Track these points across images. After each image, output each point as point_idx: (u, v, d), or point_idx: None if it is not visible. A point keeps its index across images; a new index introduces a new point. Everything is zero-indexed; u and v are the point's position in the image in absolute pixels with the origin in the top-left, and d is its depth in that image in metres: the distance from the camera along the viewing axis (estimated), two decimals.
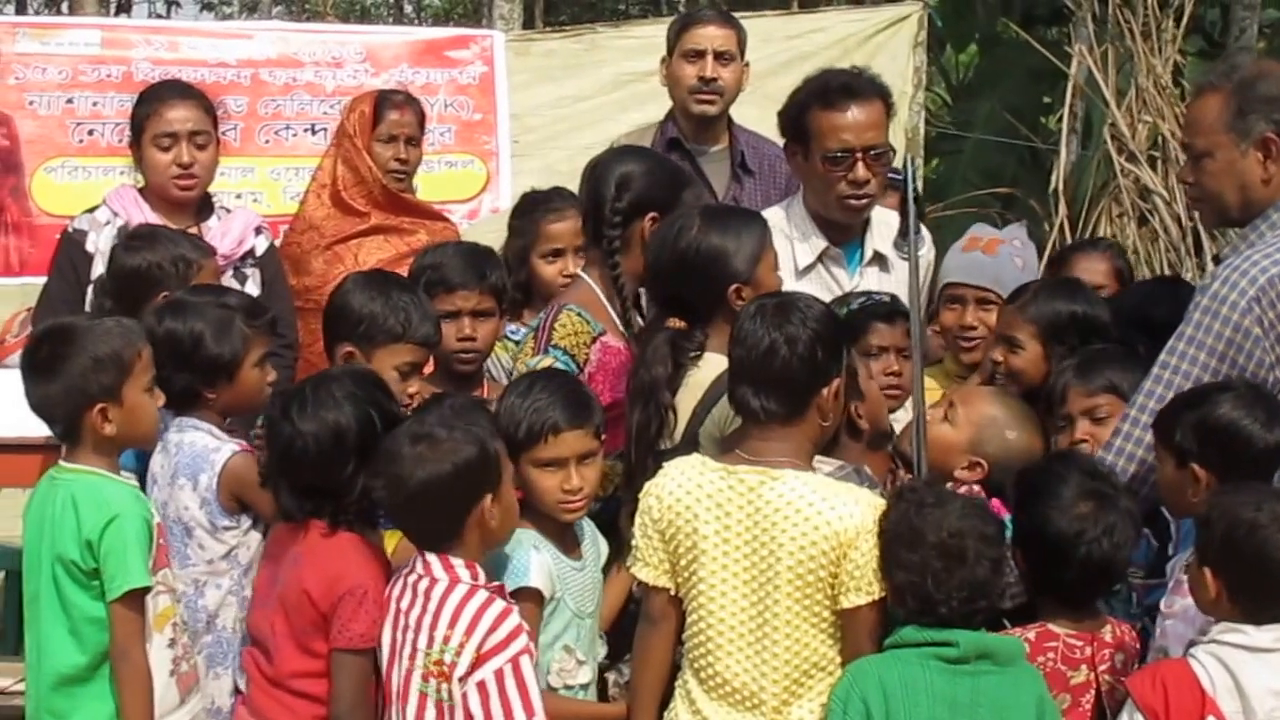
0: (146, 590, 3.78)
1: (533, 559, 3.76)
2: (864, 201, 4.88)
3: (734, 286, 4.05)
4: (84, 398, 3.80)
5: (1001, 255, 4.97)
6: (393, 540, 3.99)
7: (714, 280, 4.04)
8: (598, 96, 8.11)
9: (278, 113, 7.63)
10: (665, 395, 4.00)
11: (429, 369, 4.80)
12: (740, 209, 4.71)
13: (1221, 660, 3.41)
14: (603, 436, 3.92)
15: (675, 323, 4.09)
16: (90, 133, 7.43)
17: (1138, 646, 3.74)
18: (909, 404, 4.77)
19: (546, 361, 4.24)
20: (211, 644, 4.04)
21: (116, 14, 19.39)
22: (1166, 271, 8.65)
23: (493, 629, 3.50)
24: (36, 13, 21.88)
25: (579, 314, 4.36)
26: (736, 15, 6.33)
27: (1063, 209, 9.19)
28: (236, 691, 3.96)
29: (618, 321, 4.41)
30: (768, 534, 3.59)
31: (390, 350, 4.36)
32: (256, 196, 7.33)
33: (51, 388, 3.83)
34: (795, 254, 4.88)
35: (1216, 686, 3.39)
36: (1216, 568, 3.44)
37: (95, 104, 7.45)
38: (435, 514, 3.58)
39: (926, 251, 5.05)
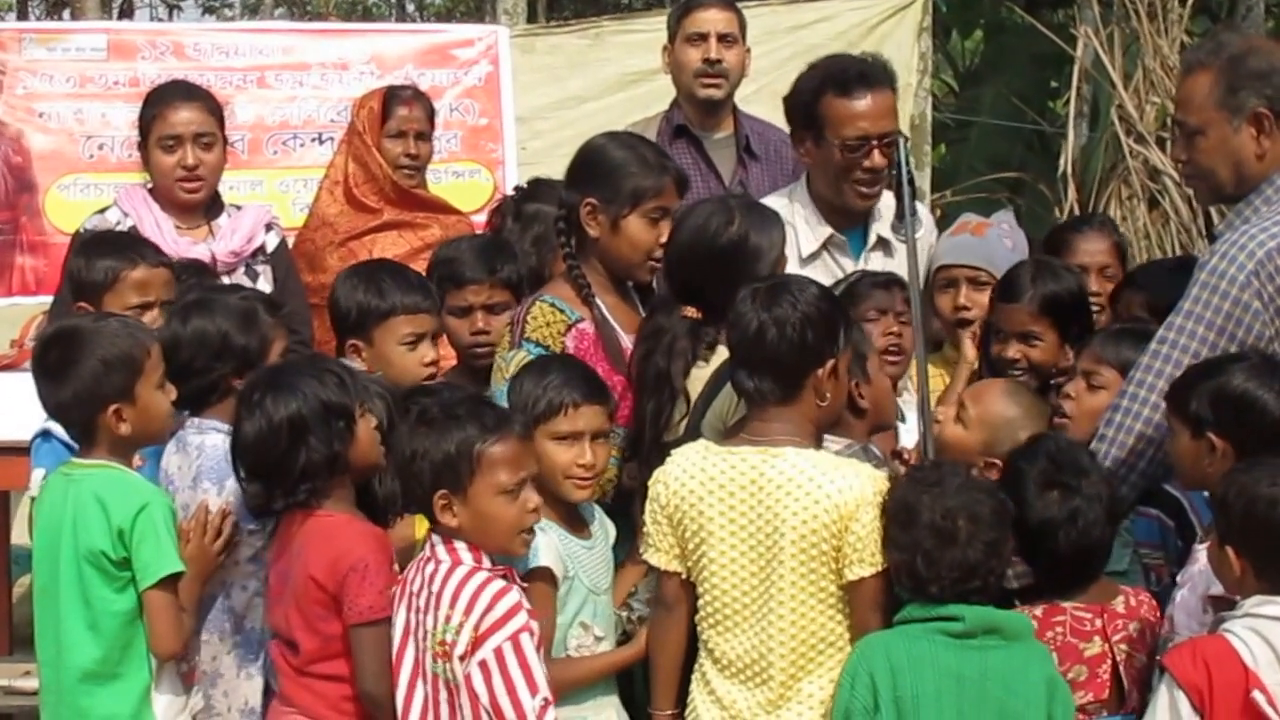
0: (180, 576, 3.81)
1: (539, 540, 3.79)
2: (877, 188, 4.92)
3: None
4: (98, 399, 3.81)
5: (990, 237, 5.00)
6: (423, 527, 3.99)
7: (748, 277, 3.97)
8: (604, 97, 8.08)
9: (284, 122, 7.62)
10: (680, 383, 4.02)
11: (452, 363, 4.80)
12: (761, 204, 4.73)
13: (1261, 634, 3.39)
14: (615, 420, 3.95)
15: (690, 311, 4.10)
16: (100, 147, 7.43)
17: (1157, 616, 3.73)
18: (909, 392, 4.82)
19: (520, 355, 4.22)
20: (241, 643, 4.02)
21: (119, 18, 19.34)
22: (1178, 253, 8.63)
23: (489, 608, 3.55)
24: (39, 19, 21.77)
25: (552, 304, 4.31)
26: (740, 4, 6.33)
27: (1072, 193, 9.17)
28: (268, 690, 3.97)
29: (603, 307, 4.34)
30: (771, 510, 3.61)
31: (386, 328, 4.41)
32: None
33: (64, 391, 3.84)
34: (799, 242, 4.88)
35: (1258, 660, 3.37)
36: (1240, 547, 3.43)
37: (104, 115, 7.44)
38: (406, 490, 3.73)
39: (926, 234, 5.04)
